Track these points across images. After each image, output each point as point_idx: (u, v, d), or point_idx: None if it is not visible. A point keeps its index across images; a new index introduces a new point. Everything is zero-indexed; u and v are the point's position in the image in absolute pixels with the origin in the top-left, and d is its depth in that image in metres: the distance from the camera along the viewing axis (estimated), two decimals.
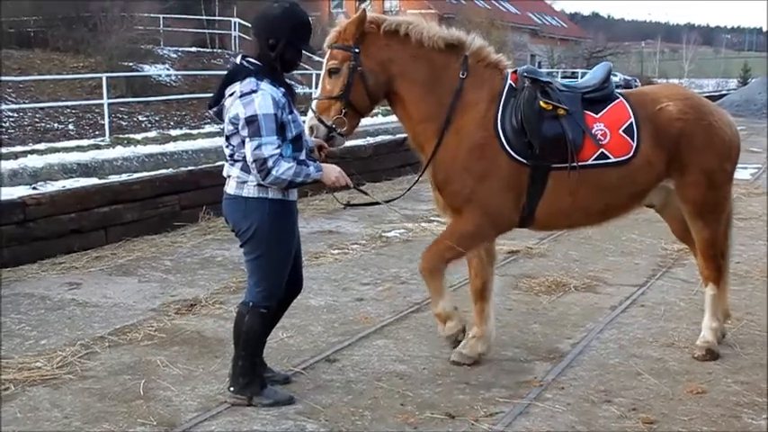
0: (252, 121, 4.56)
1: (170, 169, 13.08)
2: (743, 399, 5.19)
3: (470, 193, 5.31)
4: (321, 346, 6.07)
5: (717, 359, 5.82)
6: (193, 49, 29.74)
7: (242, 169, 4.74)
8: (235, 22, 30.43)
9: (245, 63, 4.75)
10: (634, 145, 5.39)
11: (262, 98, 4.58)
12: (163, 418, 4.82)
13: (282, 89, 4.73)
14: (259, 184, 4.71)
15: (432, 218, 10.79)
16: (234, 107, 4.64)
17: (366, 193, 5.74)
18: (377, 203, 6.10)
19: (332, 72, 5.22)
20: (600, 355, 5.96)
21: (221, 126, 4.88)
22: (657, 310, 7.02)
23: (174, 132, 19.26)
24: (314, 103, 5.30)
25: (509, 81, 5.43)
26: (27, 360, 5.65)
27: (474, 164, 5.29)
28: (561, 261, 8.70)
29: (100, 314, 6.74)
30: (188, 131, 19.64)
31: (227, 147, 4.80)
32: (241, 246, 4.94)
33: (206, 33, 32.01)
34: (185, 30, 30.86)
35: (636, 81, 42.88)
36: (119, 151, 15.61)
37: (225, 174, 4.89)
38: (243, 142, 4.64)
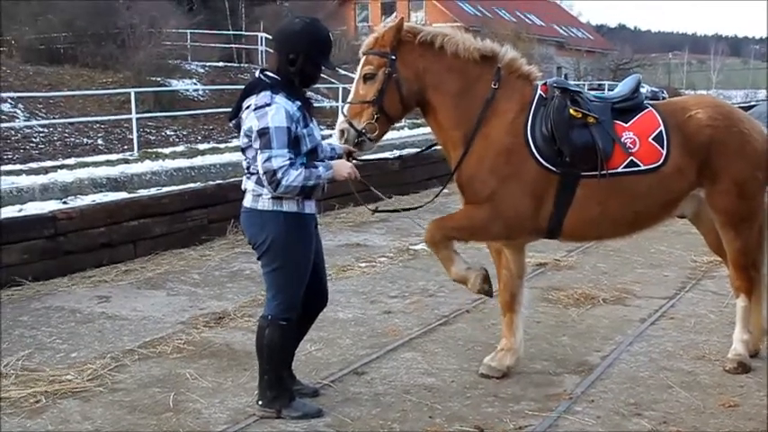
0: (264, 133, 4.60)
1: (198, 183, 13.15)
2: None
3: (491, 194, 5.29)
4: (349, 358, 6.07)
5: (748, 372, 5.76)
6: (220, 63, 29.94)
7: (257, 182, 4.78)
8: (261, 37, 30.60)
9: (262, 77, 4.80)
10: (664, 153, 5.36)
11: (275, 111, 4.62)
12: (192, 430, 4.84)
13: (298, 102, 4.76)
14: (274, 197, 4.74)
15: None
16: (248, 120, 4.69)
17: (380, 195, 5.71)
18: (405, 210, 6.10)
19: (367, 77, 5.24)
20: (630, 368, 5.92)
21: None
22: (687, 323, 6.96)
23: (201, 146, 19.40)
24: (345, 108, 5.33)
25: (539, 91, 5.43)
26: (58, 373, 5.69)
27: (500, 167, 5.28)
28: (590, 273, 8.65)
29: (129, 327, 6.78)
30: (215, 145, 19.78)
31: (244, 160, 4.86)
32: (258, 258, 4.96)
33: (233, 48, 32.22)
34: (212, 45, 31.06)
35: (663, 93, 42.61)
36: (147, 165, 15.73)
37: (243, 187, 4.94)
38: (256, 154, 4.68)
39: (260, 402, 5.00)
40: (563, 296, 7.70)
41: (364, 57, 5.30)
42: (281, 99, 4.65)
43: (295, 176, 4.60)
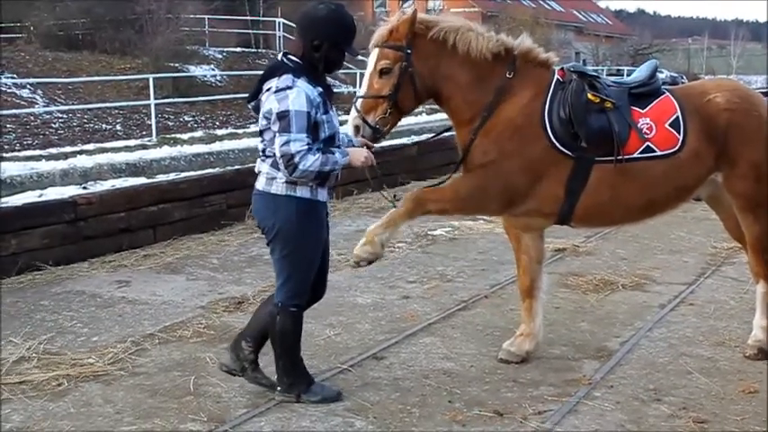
0: (283, 116, 4.57)
1: (217, 168, 13.19)
2: None
3: (487, 163, 5.25)
4: (368, 343, 6.08)
5: None
6: (238, 49, 29.95)
7: (272, 165, 4.76)
8: (279, 23, 30.58)
9: (285, 60, 4.77)
10: (680, 138, 5.33)
11: (296, 95, 4.59)
12: (213, 414, 4.87)
13: (319, 88, 4.73)
14: (288, 182, 4.72)
15: (477, 216, 10.76)
16: (268, 102, 4.66)
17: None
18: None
19: (383, 72, 5.15)
20: (649, 354, 5.91)
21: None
22: (707, 309, 6.94)
23: (219, 132, 19.42)
24: (359, 102, 5.21)
25: (556, 76, 5.40)
26: (79, 356, 5.73)
27: (503, 141, 5.24)
28: (609, 259, 8.63)
29: (149, 312, 6.82)
30: (233, 131, 19.80)
31: (261, 142, 4.84)
32: (268, 243, 4.94)
33: (251, 34, 32.21)
34: (230, 30, 31.07)
35: (682, 78, 42.27)
36: (166, 151, 15.77)
37: (256, 169, 4.91)
38: (274, 137, 4.66)
39: (278, 389, 5.03)
40: (582, 282, 7.69)
41: (379, 50, 5.19)
42: (302, 83, 4.63)
43: (312, 161, 4.59)
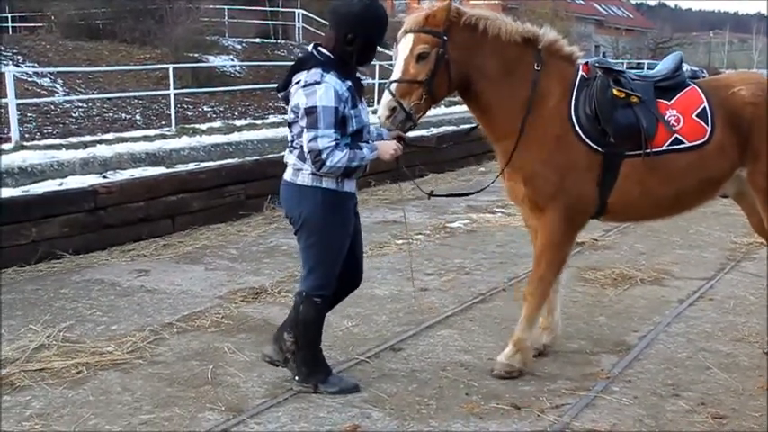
0: (311, 112, 4.58)
1: (235, 159, 13.20)
2: None
3: (555, 190, 5.24)
4: (386, 335, 6.09)
5: None
6: (257, 40, 29.96)
7: (298, 157, 4.78)
8: (298, 14, 30.57)
9: (315, 52, 4.77)
10: (709, 129, 5.30)
11: (324, 90, 4.58)
12: (230, 403, 4.89)
13: (348, 83, 4.72)
14: (313, 173, 4.74)
15: (495, 209, 10.75)
16: (296, 96, 4.67)
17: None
18: (460, 195, 5.99)
19: (421, 57, 5.07)
20: (667, 349, 5.89)
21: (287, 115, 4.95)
22: (726, 304, 6.90)
23: (238, 123, 19.43)
24: (393, 86, 5.10)
25: (581, 72, 5.37)
26: (99, 345, 5.77)
27: (556, 159, 5.22)
28: (627, 253, 8.60)
29: (168, 301, 6.85)
30: (252, 122, 19.80)
31: (289, 133, 4.87)
32: (295, 233, 4.97)
33: (270, 25, 32.23)
34: (249, 21, 31.08)
35: (703, 72, 42.06)
36: (185, 141, 15.78)
37: (285, 160, 4.94)
38: (302, 131, 4.68)
39: (296, 378, 5.04)
40: (600, 276, 7.67)
41: (415, 35, 5.10)
42: (331, 78, 4.62)
43: (339, 158, 4.60)
